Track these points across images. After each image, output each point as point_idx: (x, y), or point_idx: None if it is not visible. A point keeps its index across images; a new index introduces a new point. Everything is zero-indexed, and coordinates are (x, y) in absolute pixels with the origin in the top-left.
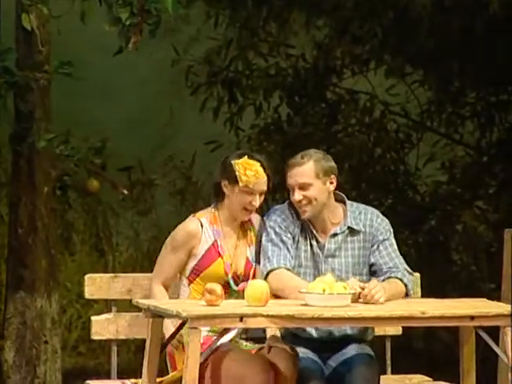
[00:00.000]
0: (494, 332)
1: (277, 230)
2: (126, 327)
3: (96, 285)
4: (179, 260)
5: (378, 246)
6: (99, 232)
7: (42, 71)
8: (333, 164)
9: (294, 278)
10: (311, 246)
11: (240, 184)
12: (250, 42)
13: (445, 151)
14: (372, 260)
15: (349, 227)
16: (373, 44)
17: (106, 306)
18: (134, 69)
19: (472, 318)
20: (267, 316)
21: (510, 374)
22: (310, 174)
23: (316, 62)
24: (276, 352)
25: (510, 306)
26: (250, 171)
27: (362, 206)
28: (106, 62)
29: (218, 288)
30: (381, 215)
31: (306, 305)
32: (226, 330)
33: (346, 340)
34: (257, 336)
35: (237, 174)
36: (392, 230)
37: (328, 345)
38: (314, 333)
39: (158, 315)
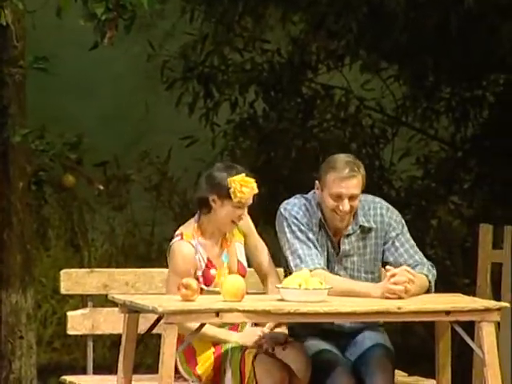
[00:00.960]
0: (470, 327)
1: (302, 227)
2: (102, 322)
3: (72, 280)
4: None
5: (394, 243)
6: (75, 227)
7: (17, 66)
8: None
9: (336, 277)
10: (326, 246)
11: (234, 200)
12: (225, 37)
13: (420, 146)
14: (390, 258)
15: (360, 226)
16: (348, 39)
17: (81, 301)
18: (110, 64)
19: (448, 313)
20: (243, 311)
21: (484, 369)
22: (360, 184)
23: (291, 57)
24: (290, 348)
25: (485, 301)
26: (247, 188)
27: (369, 199)
28: (81, 57)
29: (194, 283)
30: (390, 207)
31: (282, 300)
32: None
33: (359, 327)
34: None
35: (232, 190)
36: (404, 222)
37: (340, 334)
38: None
39: (134, 310)
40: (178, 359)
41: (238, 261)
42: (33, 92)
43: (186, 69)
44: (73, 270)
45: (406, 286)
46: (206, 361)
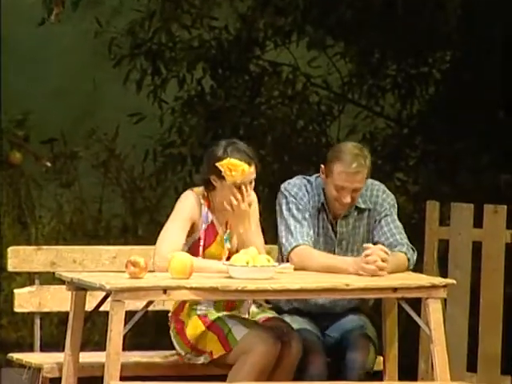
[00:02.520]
0: (417, 304)
1: (299, 206)
2: (49, 300)
3: (19, 257)
4: (186, 229)
5: (381, 222)
6: (22, 204)
7: None
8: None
9: (321, 252)
10: (325, 228)
11: (228, 182)
12: (173, 14)
13: (366, 123)
14: (376, 238)
15: (356, 207)
16: (295, 16)
17: (28, 278)
18: (58, 41)
19: (395, 289)
20: (191, 288)
21: (431, 345)
22: (365, 178)
23: (239, 33)
24: (283, 327)
25: (431, 277)
26: (236, 172)
27: (368, 182)
28: (29, 33)
29: (142, 260)
30: (387, 190)
31: (230, 277)
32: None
33: (344, 310)
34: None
35: (223, 174)
36: (396, 206)
37: (326, 316)
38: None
39: (81, 288)
40: (171, 334)
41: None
42: None
43: (134, 46)
44: (20, 247)
45: (379, 265)
46: (196, 328)
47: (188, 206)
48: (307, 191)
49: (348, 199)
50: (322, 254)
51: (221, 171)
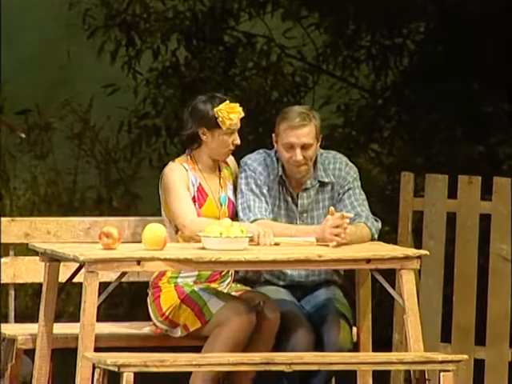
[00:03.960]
0: (391, 275)
1: (258, 181)
2: (24, 271)
3: None
4: (189, 196)
5: (343, 196)
6: None
7: None
8: (320, 122)
9: (281, 224)
10: (286, 201)
11: (223, 128)
12: None
13: (340, 94)
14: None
15: (319, 181)
16: None
17: (3, 250)
18: (32, 12)
19: (368, 261)
20: (165, 260)
21: (404, 316)
22: (313, 134)
23: (213, 4)
24: (259, 298)
25: (404, 249)
26: (234, 114)
27: (331, 155)
28: (3, 4)
29: (115, 231)
30: (349, 163)
31: (203, 248)
32: None
33: (316, 284)
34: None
35: (220, 119)
36: (359, 178)
37: (299, 287)
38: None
39: (55, 259)
40: (148, 301)
41: (229, 198)
42: None
43: (108, 17)
44: None
45: (340, 234)
46: (170, 298)
47: (177, 175)
48: (267, 165)
49: (299, 156)
50: (282, 225)
51: (213, 121)
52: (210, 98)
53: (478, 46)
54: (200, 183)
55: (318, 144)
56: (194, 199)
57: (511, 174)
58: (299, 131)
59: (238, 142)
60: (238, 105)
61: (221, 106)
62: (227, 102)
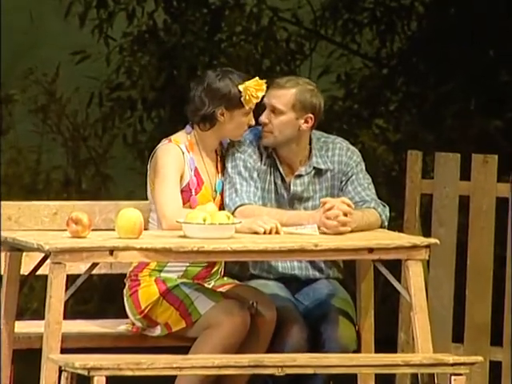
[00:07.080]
0: (396, 266)
1: (248, 164)
2: None
3: None
4: (178, 184)
5: (347, 183)
6: None
7: None
8: (317, 102)
9: (271, 209)
10: (275, 184)
11: (246, 107)
12: None
13: (341, 63)
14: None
15: (314, 167)
16: None
17: None
18: None
19: (371, 250)
20: (141, 249)
21: (411, 313)
22: (287, 101)
23: None
24: (252, 296)
25: (412, 237)
26: (261, 92)
27: (329, 140)
28: None
29: (85, 217)
30: (351, 147)
31: (185, 236)
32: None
33: (313, 278)
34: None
35: (246, 97)
36: (362, 163)
37: (294, 280)
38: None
39: (17, 248)
40: (124, 295)
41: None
42: None
43: None
44: None
45: (341, 220)
46: (149, 293)
47: (171, 158)
48: (259, 147)
49: (263, 117)
50: (272, 210)
51: (237, 98)
52: (226, 74)
53: (493, 8)
54: (196, 167)
55: (300, 122)
56: (188, 185)
57: None
58: (273, 91)
59: (253, 122)
60: (264, 81)
61: (248, 83)
62: (257, 78)
